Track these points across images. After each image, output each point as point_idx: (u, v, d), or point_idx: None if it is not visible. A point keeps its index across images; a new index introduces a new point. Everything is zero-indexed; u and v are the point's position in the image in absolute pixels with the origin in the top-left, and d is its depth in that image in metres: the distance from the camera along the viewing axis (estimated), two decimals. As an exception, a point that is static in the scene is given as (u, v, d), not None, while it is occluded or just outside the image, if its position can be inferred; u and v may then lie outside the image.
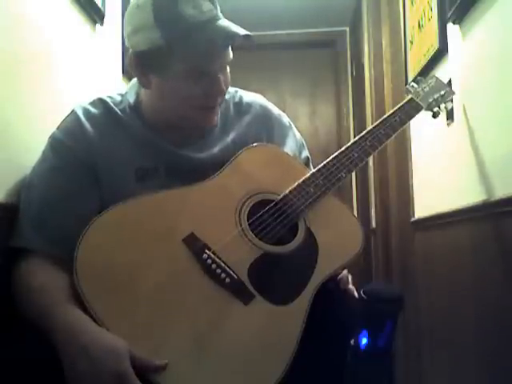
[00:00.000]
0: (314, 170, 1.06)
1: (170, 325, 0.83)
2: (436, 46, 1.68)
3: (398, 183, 2.41)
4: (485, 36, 1.34)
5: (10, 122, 1.07)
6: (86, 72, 1.50)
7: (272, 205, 0.99)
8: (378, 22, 2.73)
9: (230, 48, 1.01)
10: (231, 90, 1.16)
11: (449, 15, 1.54)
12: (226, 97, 1.14)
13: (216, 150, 1.08)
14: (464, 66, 1.50)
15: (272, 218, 0.98)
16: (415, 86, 1.35)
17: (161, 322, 0.83)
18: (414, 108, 1.26)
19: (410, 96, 1.29)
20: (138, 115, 1.06)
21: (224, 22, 0.97)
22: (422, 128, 1.96)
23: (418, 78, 1.42)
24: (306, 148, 1.21)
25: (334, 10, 3.48)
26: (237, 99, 1.16)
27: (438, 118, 1.69)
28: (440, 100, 1.37)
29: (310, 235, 0.98)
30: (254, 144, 1.08)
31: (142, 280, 0.85)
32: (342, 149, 1.10)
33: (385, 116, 1.20)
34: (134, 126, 1.04)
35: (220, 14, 0.99)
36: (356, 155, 1.09)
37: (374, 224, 3.00)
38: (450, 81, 1.60)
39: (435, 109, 1.36)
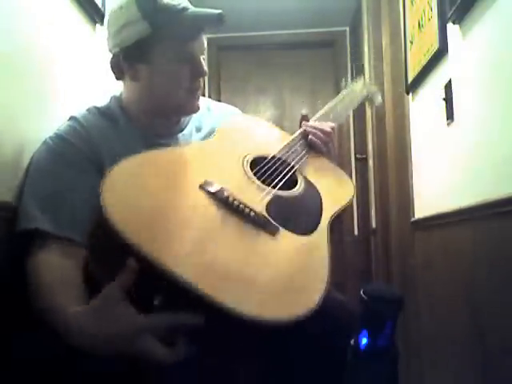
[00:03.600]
0: (296, 133, 1.22)
1: (212, 251, 0.82)
2: (436, 46, 1.68)
3: (397, 183, 2.41)
4: (485, 36, 1.34)
5: (9, 122, 1.07)
6: (85, 72, 1.50)
7: (269, 158, 1.09)
8: (377, 21, 2.73)
9: (204, 37, 1.13)
10: (203, 98, 1.33)
11: (449, 15, 1.54)
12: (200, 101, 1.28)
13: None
14: (464, 66, 1.50)
15: (272, 168, 1.07)
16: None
17: (202, 248, 0.82)
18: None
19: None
20: (123, 113, 1.15)
21: (197, 8, 1.10)
22: (422, 128, 1.97)
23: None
24: None
25: (334, 10, 3.48)
26: (208, 103, 1.31)
27: (438, 118, 1.70)
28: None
29: (310, 183, 1.08)
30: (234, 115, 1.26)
31: (174, 215, 0.86)
32: (316, 116, 1.30)
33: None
34: (124, 125, 1.13)
35: (189, 4, 1.11)
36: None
37: (374, 224, 3.00)
38: (450, 81, 1.60)
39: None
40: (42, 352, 0.83)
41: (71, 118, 1.11)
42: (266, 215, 0.92)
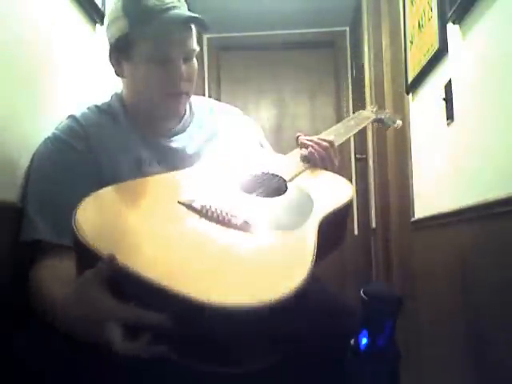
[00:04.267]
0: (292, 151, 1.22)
1: (179, 251, 0.82)
2: (436, 46, 1.68)
3: (397, 183, 2.41)
4: (485, 36, 1.34)
5: (10, 121, 1.07)
6: (85, 72, 1.50)
7: (257, 174, 1.08)
8: (377, 21, 2.74)
9: (191, 38, 1.10)
10: (206, 98, 1.33)
11: (449, 15, 1.54)
12: (202, 102, 1.27)
13: (195, 145, 1.17)
14: (464, 66, 1.50)
15: (259, 181, 1.05)
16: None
17: (168, 251, 0.82)
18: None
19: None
20: (124, 111, 1.14)
21: (181, 10, 1.08)
22: (422, 128, 1.97)
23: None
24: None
25: (334, 10, 3.48)
26: (210, 104, 1.29)
27: (438, 118, 1.70)
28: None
29: (301, 190, 1.06)
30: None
31: (144, 225, 0.87)
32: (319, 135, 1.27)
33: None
34: (124, 123, 1.13)
35: (182, 7, 1.09)
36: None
37: (374, 224, 3.01)
38: (450, 81, 1.61)
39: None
40: (42, 352, 0.83)
41: (69, 117, 1.11)
42: (245, 219, 0.89)
